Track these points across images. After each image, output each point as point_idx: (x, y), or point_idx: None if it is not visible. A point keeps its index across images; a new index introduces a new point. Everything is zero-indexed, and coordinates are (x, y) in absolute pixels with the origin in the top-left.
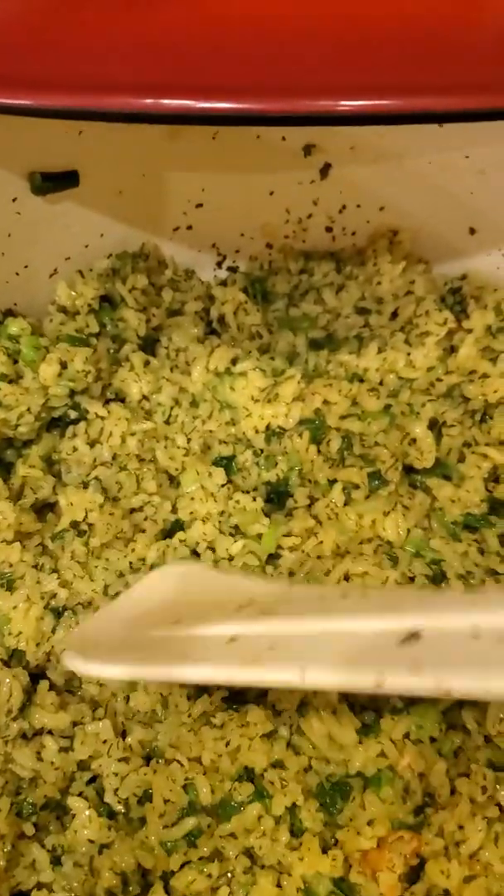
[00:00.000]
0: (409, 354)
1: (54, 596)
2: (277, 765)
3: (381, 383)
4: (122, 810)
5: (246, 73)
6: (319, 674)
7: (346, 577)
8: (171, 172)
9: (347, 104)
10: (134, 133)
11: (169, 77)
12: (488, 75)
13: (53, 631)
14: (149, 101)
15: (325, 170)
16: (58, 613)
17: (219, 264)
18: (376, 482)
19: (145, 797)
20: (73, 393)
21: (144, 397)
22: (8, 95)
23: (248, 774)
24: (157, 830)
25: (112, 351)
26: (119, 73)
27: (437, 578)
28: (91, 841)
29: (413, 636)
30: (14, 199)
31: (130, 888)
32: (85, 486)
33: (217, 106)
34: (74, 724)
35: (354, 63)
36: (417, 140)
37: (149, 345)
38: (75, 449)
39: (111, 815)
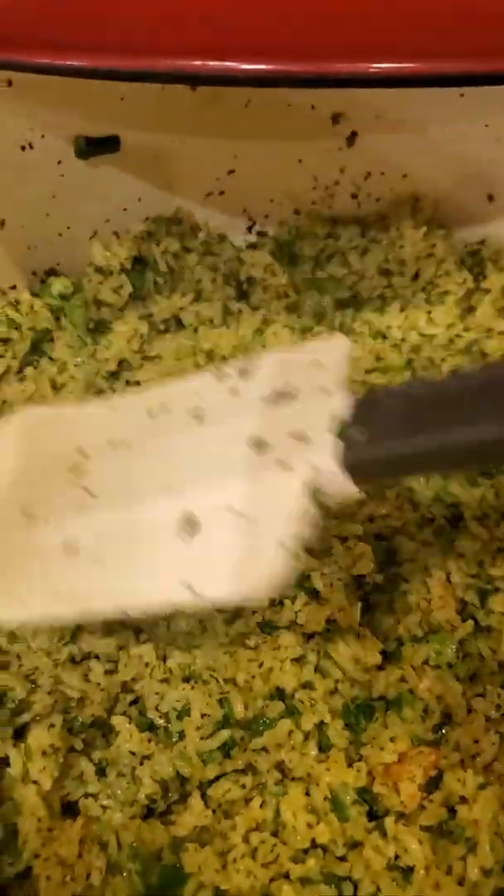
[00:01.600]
0: (429, 313)
1: None
2: (307, 685)
3: (403, 340)
4: (164, 724)
5: (283, 35)
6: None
7: (371, 519)
8: (206, 139)
9: (379, 66)
10: (172, 100)
11: (211, 40)
12: None
13: None
14: (196, 62)
15: (351, 138)
16: None
17: (249, 229)
18: None
19: (184, 712)
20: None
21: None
22: (61, 57)
23: (279, 695)
24: (194, 741)
25: (143, 317)
26: (165, 36)
27: (455, 520)
28: (133, 753)
29: None
30: (59, 162)
31: (170, 795)
32: None
33: (255, 68)
34: (120, 648)
35: (385, 26)
36: (439, 110)
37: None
38: None
39: (152, 727)
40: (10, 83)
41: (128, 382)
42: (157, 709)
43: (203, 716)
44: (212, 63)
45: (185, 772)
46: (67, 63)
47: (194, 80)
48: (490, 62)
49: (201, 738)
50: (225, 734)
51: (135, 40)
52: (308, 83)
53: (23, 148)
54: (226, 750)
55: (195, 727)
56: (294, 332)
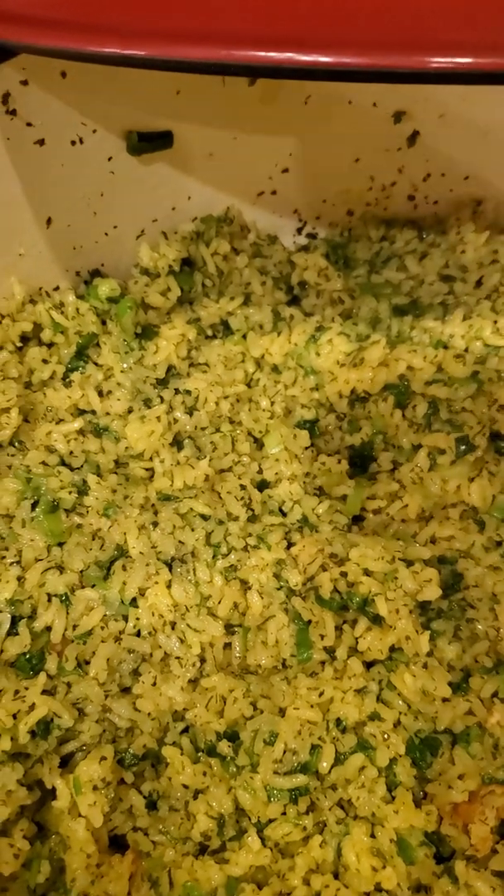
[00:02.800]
0: (495, 322)
1: None
2: (374, 717)
3: (466, 350)
4: (230, 753)
5: (347, 27)
6: None
7: (433, 540)
8: (262, 136)
9: (439, 62)
10: (229, 95)
11: (274, 31)
12: None
13: None
14: (259, 53)
15: (412, 137)
16: None
17: (299, 230)
18: (463, 447)
19: (269, 741)
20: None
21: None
22: (119, 46)
23: (339, 726)
24: (267, 774)
25: (191, 321)
26: (227, 25)
27: None
28: (185, 786)
29: None
30: (109, 159)
31: (225, 831)
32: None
33: (317, 60)
34: None
35: (447, 19)
36: None
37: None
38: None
39: (212, 753)
40: (64, 75)
41: (177, 391)
42: (222, 734)
43: (286, 751)
44: (274, 55)
45: (245, 805)
46: (124, 52)
47: (256, 72)
48: None
49: (275, 774)
50: (302, 779)
51: (195, 29)
52: (369, 77)
53: (73, 143)
54: (294, 796)
55: (274, 759)
56: (350, 339)
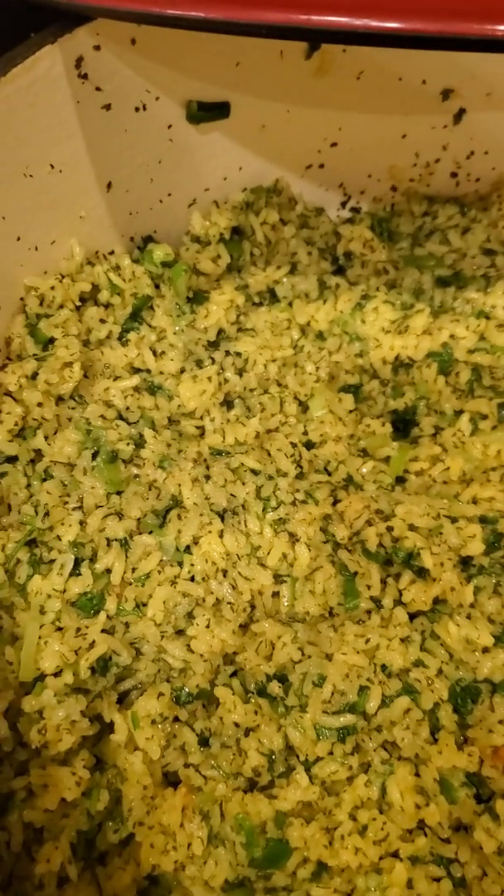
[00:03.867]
0: None
1: None
2: (419, 664)
3: None
4: (280, 693)
5: None
6: None
7: (475, 501)
8: (313, 109)
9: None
10: (285, 68)
11: None
12: None
13: None
14: (337, 18)
15: (459, 115)
16: None
17: (343, 204)
18: None
19: (318, 683)
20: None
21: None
22: (203, 9)
23: (384, 671)
24: (316, 713)
25: (239, 288)
26: None
27: None
28: (237, 724)
29: None
30: (170, 126)
31: (274, 768)
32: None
33: (382, 25)
34: None
35: None
36: None
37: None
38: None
39: (262, 693)
40: (133, 42)
41: (227, 353)
42: (272, 676)
43: (334, 693)
44: (350, 20)
45: (295, 742)
46: (206, 15)
47: (330, 37)
48: None
49: (324, 713)
50: (350, 719)
51: None
52: (438, 44)
53: (137, 109)
54: (342, 735)
55: (323, 700)
56: (395, 308)
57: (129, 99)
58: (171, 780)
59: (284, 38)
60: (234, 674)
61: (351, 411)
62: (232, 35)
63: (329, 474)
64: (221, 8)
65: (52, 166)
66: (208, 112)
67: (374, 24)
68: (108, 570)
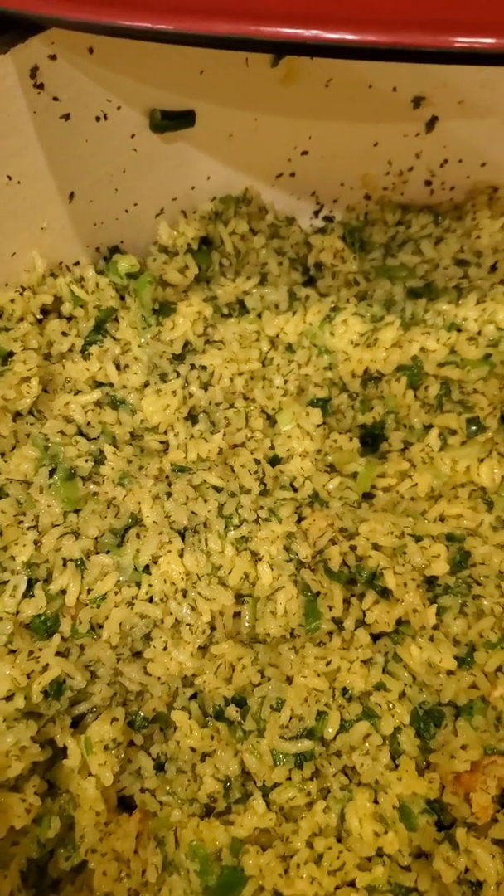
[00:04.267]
0: None
1: None
2: (380, 687)
3: (479, 333)
4: (237, 718)
5: (370, 5)
6: None
7: (442, 518)
8: (282, 118)
9: (463, 42)
10: (251, 76)
11: (297, 7)
12: None
13: None
14: (282, 29)
15: (431, 123)
16: None
17: (315, 213)
18: (474, 428)
19: (276, 707)
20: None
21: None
22: (151, 20)
23: (345, 695)
24: (273, 738)
25: (207, 299)
26: (259, 1)
27: None
28: (193, 749)
29: None
30: (133, 136)
31: (231, 794)
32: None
33: (339, 37)
34: None
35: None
36: None
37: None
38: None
39: (220, 717)
40: (91, 50)
41: (193, 366)
42: (230, 699)
43: (292, 717)
44: (301, 31)
45: (251, 768)
46: (154, 26)
47: (282, 48)
48: None
49: (281, 738)
50: (307, 744)
51: (224, 5)
52: (394, 56)
53: (98, 119)
54: (299, 761)
55: (280, 724)
56: (365, 320)
57: (89, 108)
58: (126, 805)
59: (237, 49)
60: (193, 696)
61: (319, 425)
62: (185, 46)
63: (295, 490)
64: (172, 19)
65: (9, 178)
66: (173, 121)
67: (326, 35)
68: (63, 591)
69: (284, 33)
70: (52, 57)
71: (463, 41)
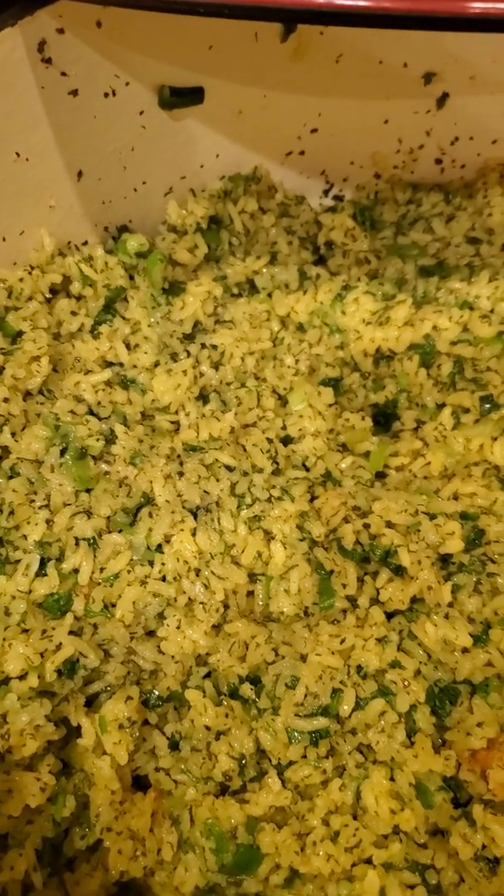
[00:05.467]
0: None
1: None
2: (396, 665)
3: (492, 311)
4: (253, 697)
5: None
6: None
7: (455, 497)
8: (291, 94)
9: (480, 6)
10: (260, 51)
11: None
12: None
13: None
14: None
15: (442, 100)
16: None
17: (325, 192)
18: (487, 406)
19: (291, 685)
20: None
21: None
22: None
23: (359, 672)
24: (288, 716)
25: (217, 278)
26: None
27: None
28: (208, 728)
29: None
30: (141, 113)
31: (246, 772)
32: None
33: (354, 3)
34: None
35: None
36: None
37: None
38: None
39: (234, 696)
40: (99, 24)
41: (203, 346)
42: (244, 677)
43: (307, 695)
44: None
45: (266, 745)
46: None
47: (290, 16)
48: None
49: (296, 716)
50: (322, 722)
51: None
52: (404, 23)
53: (106, 95)
54: (315, 738)
55: (295, 702)
56: (376, 299)
57: (98, 84)
58: (140, 784)
59: (248, 18)
60: (207, 675)
61: (331, 405)
62: (195, 16)
63: (307, 470)
64: None
65: (17, 154)
66: (181, 97)
67: (340, 2)
68: (76, 570)
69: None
70: (60, 31)
71: (478, 6)
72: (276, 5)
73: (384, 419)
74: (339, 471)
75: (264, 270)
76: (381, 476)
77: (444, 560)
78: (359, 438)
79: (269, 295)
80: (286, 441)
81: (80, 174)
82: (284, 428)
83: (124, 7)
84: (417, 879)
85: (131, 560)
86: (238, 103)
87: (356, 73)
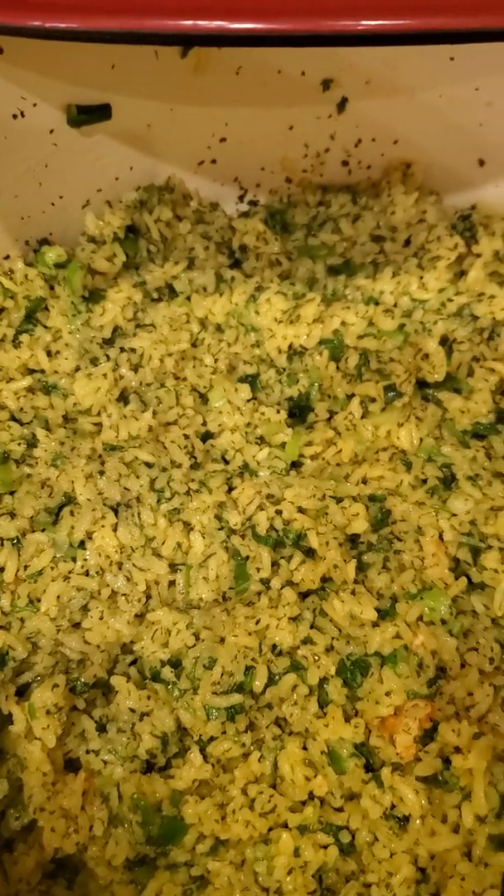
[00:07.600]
0: (421, 278)
1: None
2: (307, 641)
3: (395, 305)
4: (172, 678)
5: None
6: None
7: (364, 481)
8: (197, 107)
9: (367, 24)
10: (162, 67)
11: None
12: None
13: None
14: (187, 22)
15: (341, 104)
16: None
17: (240, 198)
18: (391, 395)
19: (209, 665)
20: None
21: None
22: (52, 20)
23: (274, 650)
24: (206, 695)
25: (137, 285)
26: None
27: (448, 480)
28: (132, 710)
29: None
30: (51, 131)
31: (169, 748)
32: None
33: (245, 27)
34: None
35: None
36: (429, 74)
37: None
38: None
39: (156, 679)
40: (1, 50)
41: (122, 350)
42: (166, 661)
43: (223, 674)
44: (202, 23)
45: (186, 723)
46: (58, 25)
47: (185, 40)
48: (479, 17)
49: (213, 694)
50: (237, 698)
51: (126, 1)
52: (298, 42)
53: (14, 116)
54: (231, 714)
55: (212, 681)
56: (287, 298)
57: (5, 107)
58: (73, 766)
59: (148, 43)
60: (133, 662)
61: (248, 400)
62: (78, 42)
63: (226, 463)
64: (60, 17)
65: None
66: (89, 115)
67: (232, 26)
68: (1, 569)
69: (186, 26)
70: None
71: (365, 24)
72: (172, 32)
73: (300, 411)
74: (256, 462)
75: (182, 275)
76: (297, 465)
77: (354, 540)
78: (275, 430)
79: (188, 298)
80: (206, 437)
81: None
82: (205, 424)
83: (11, 35)
84: (331, 840)
85: (54, 557)
86: (146, 117)
87: (257, 83)
